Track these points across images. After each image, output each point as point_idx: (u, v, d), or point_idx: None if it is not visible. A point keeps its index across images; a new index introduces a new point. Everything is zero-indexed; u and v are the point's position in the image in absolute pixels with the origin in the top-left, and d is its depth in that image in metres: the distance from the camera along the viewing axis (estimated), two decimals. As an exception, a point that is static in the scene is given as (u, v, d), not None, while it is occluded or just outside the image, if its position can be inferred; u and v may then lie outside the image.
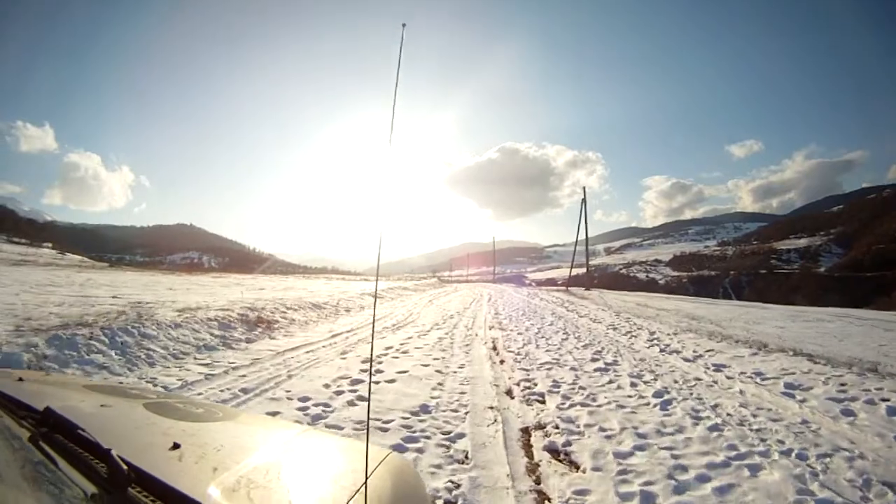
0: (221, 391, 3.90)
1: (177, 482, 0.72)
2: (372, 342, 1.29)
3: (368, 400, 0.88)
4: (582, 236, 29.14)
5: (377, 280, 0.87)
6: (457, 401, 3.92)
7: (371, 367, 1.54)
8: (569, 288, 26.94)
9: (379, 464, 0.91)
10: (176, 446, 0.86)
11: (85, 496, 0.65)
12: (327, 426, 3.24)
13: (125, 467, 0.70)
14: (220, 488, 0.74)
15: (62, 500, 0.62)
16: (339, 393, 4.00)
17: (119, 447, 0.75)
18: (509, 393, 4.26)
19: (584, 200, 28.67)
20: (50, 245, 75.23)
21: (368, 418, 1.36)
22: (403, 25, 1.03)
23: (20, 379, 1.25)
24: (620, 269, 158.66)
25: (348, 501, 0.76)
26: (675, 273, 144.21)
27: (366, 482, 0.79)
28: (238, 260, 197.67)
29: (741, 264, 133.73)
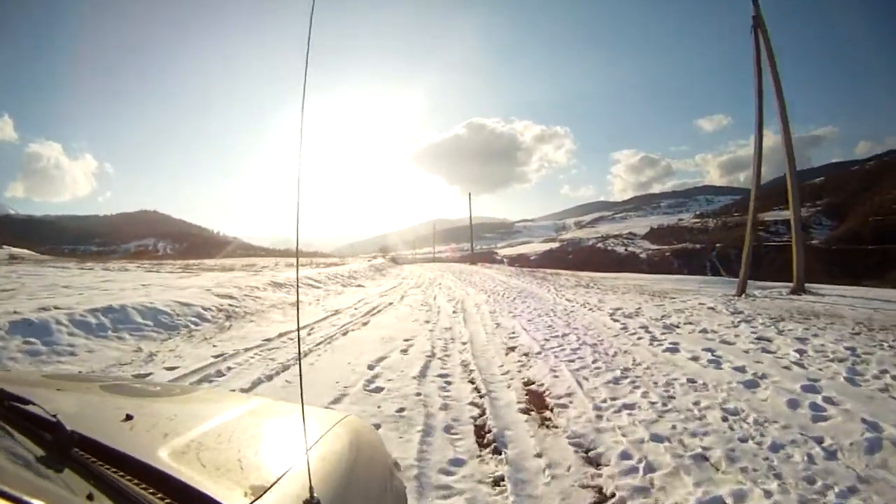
0: None
1: (125, 446, 0.72)
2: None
3: (300, 374, 1.08)
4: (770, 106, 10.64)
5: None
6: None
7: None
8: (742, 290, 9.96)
9: (335, 424, 0.92)
10: (129, 417, 0.86)
11: (34, 458, 0.65)
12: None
13: (69, 429, 0.70)
14: (168, 451, 0.74)
15: (14, 464, 0.62)
16: None
17: (70, 420, 0.73)
18: None
19: (756, 23, 10.30)
20: (-9, 238, 67.44)
21: (301, 379, 1.01)
22: None
23: None
24: (595, 242, 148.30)
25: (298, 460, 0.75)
26: (656, 246, 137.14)
27: (307, 444, 0.78)
28: (198, 245, 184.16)
29: (727, 237, 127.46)
